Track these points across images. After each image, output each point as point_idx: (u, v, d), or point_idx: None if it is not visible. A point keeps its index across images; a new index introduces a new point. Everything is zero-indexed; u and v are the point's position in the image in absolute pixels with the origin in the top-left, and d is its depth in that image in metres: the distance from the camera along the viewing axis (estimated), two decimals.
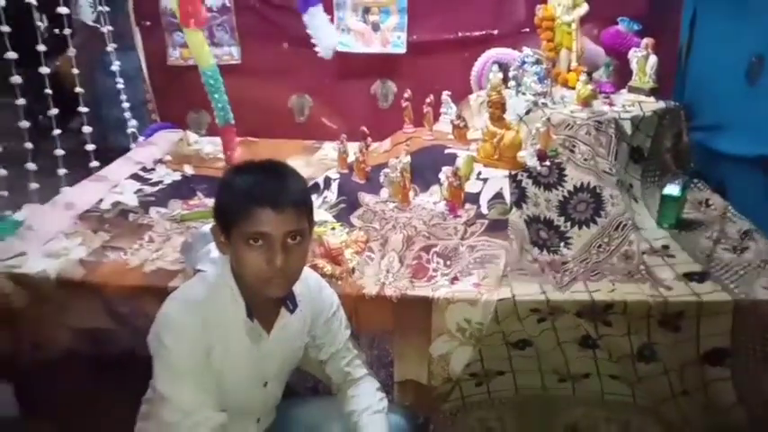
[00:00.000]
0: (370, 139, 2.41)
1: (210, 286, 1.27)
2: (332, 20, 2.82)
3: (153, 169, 2.66)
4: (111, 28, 2.70)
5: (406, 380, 1.80)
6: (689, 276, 1.75)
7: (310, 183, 2.42)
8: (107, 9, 2.66)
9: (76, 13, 2.36)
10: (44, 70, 2.29)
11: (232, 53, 2.97)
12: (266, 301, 1.27)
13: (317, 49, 2.10)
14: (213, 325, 1.23)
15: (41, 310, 1.85)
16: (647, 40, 2.20)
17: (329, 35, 1.99)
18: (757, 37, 2.06)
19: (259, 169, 1.25)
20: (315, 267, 1.75)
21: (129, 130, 2.84)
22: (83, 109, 2.50)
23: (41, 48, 2.29)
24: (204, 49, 2.10)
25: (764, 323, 1.65)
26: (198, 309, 1.22)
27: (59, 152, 2.36)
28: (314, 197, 2.31)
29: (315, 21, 1.97)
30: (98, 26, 2.38)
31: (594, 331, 1.70)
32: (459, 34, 2.84)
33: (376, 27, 2.84)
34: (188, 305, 1.23)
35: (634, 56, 2.24)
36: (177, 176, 2.59)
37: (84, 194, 2.36)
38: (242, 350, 1.28)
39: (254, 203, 1.16)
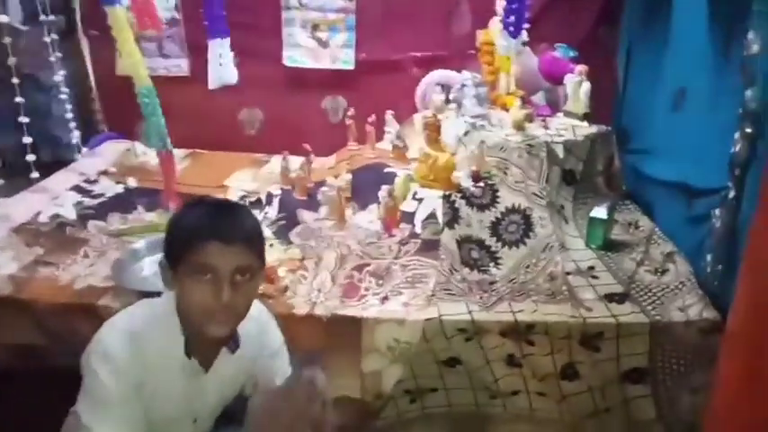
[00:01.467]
0: (312, 155, 2.44)
1: (152, 317, 1.25)
2: (280, 36, 2.87)
3: (96, 181, 2.63)
4: (55, 36, 2.67)
5: (341, 396, 1.82)
6: (609, 297, 1.82)
7: (254, 198, 2.44)
8: (51, 17, 2.63)
9: (5, 14, 2.30)
10: None
11: (181, 65, 2.96)
12: (208, 339, 1.23)
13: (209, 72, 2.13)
14: (149, 358, 1.20)
15: None
16: (580, 67, 2.28)
17: (224, 72, 2.02)
18: (681, 70, 2.16)
19: (210, 204, 1.26)
20: None
21: (73, 141, 2.80)
22: (23, 119, 2.46)
23: None
24: (142, 67, 2.06)
25: (679, 343, 1.72)
26: (135, 340, 1.20)
27: None
28: (256, 212, 2.33)
29: (215, 52, 2.00)
30: (25, 28, 2.31)
31: (519, 350, 1.75)
32: (407, 54, 2.89)
33: (325, 44, 2.88)
34: (126, 334, 1.20)
35: (569, 82, 2.32)
36: (120, 189, 2.57)
37: (21, 206, 2.32)
38: (175, 386, 1.26)
39: (202, 235, 1.15)
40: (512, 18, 2.26)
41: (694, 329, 1.70)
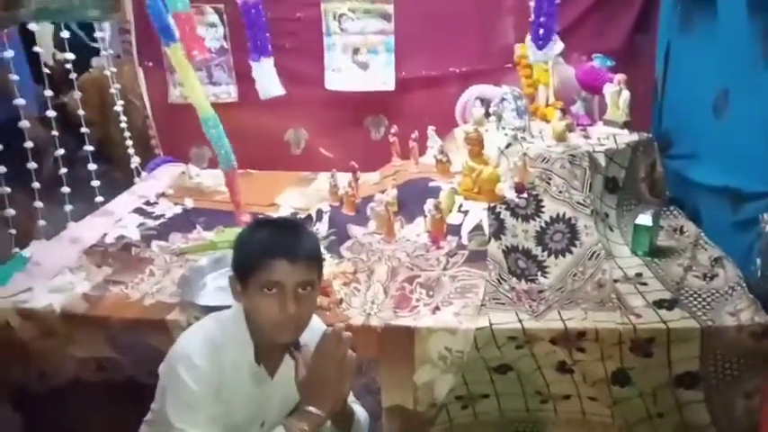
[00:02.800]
0: (359, 172, 2.53)
1: (225, 329, 1.36)
2: (323, 60, 2.98)
3: (156, 203, 2.79)
4: (114, 70, 2.85)
5: (394, 405, 1.88)
6: (659, 304, 1.84)
7: (304, 215, 2.55)
8: (110, 51, 2.81)
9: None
10: (50, 113, 2.43)
11: (230, 92, 3.12)
12: (273, 348, 1.36)
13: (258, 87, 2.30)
14: (224, 366, 1.32)
15: (47, 342, 1.96)
16: (619, 76, 2.31)
17: (270, 85, 2.18)
18: (723, 71, 2.17)
19: (275, 225, 1.41)
20: None
21: (133, 165, 2.97)
22: (88, 147, 2.63)
23: (48, 92, 2.43)
24: (201, 95, 2.22)
25: (730, 348, 1.73)
26: (213, 349, 1.31)
27: (65, 190, 2.49)
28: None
29: (261, 70, 2.16)
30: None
31: (569, 357, 1.79)
32: (446, 70, 2.96)
33: (365, 66, 2.98)
34: (207, 347, 1.31)
35: (608, 91, 2.35)
36: (178, 210, 2.72)
37: (89, 229, 2.48)
38: (246, 392, 1.37)
39: (270, 255, 1.27)
40: (540, 31, 2.31)
41: (746, 334, 1.71)
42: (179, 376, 1.27)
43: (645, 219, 2.10)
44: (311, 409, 1.25)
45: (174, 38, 2.09)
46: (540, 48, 2.33)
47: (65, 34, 2.47)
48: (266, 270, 1.27)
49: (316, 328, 1.45)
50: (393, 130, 2.74)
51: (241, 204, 2.38)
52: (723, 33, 2.18)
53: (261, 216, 2.54)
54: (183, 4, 1.94)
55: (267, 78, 2.23)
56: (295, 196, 2.78)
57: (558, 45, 2.46)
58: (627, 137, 2.30)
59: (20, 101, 2.25)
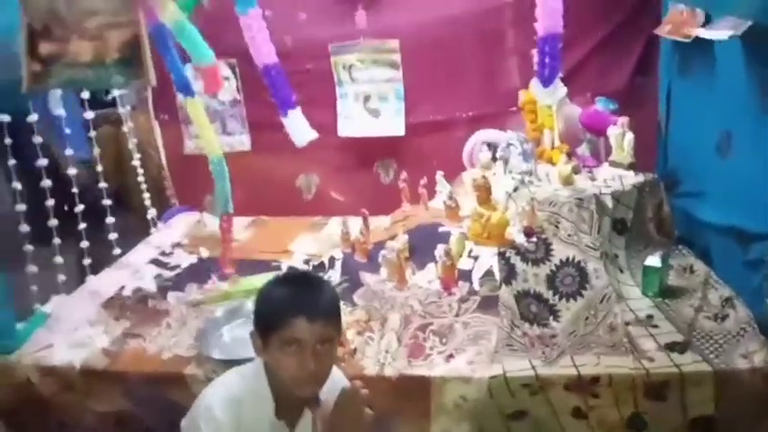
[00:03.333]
0: (370, 219, 2.58)
1: (246, 383, 1.40)
2: (333, 108, 3.07)
3: (171, 253, 2.84)
4: (131, 125, 2.95)
5: None
6: (671, 347, 1.85)
7: (317, 262, 2.59)
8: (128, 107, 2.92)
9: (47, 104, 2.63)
10: (72, 171, 2.52)
11: (243, 141, 3.21)
12: (293, 402, 1.39)
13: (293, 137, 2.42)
14: (245, 420, 1.35)
15: (67, 397, 2.00)
16: (622, 119, 2.36)
17: (303, 132, 2.31)
18: (725, 114, 2.21)
19: (296, 281, 1.45)
20: None
21: (149, 216, 3.04)
22: (107, 201, 2.71)
23: (69, 152, 2.52)
24: (214, 139, 2.39)
25: (744, 391, 1.73)
26: (234, 404, 1.35)
27: (85, 244, 2.56)
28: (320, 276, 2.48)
29: (292, 121, 2.29)
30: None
31: (584, 403, 1.79)
32: (452, 115, 3.03)
33: (376, 114, 3.07)
34: (228, 401, 1.35)
35: (612, 133, 2.40)
36: (194, 259, 2.77)
37: (107, 282, 2.54)
38: None
39: (290, 313, 1.31)
40: (545, 71, 2.38)
41: (759, 376, 1.71)
42: (200, 430, 1.31)
43: (654, 260, 2.12)
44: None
45: (192, 92, 2.22)
46: (545, 85, 2.39)
47: (85, 95, 2.58)
48: (286, 328, 1.31)
49: (337, 380, 1.49)
50: (403, 176, 2.80)
51: (229, 253, 2.52)
52: (722, 78, 2.23)
53: (275, 263, 2.60)
54: (207, 57, 2.06)
55: (299, 127, 2.33)
56: (308, 242, 2.83)
57: (561, 89, 2.52)
58: (633, 178, 2.34)
59: (43, 161, 2.33)
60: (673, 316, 2.01)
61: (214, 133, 2.49)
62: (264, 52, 2.18)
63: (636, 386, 1.75)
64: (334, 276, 2.44)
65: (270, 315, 1.35)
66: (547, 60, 2.41)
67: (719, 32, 1.92)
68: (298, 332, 1.31)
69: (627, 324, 1.97)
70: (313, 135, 2.38)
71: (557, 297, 2.11)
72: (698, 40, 2.26)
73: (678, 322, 1.97)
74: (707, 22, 2.24)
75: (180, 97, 2.87)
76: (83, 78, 1.75)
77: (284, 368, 1.32)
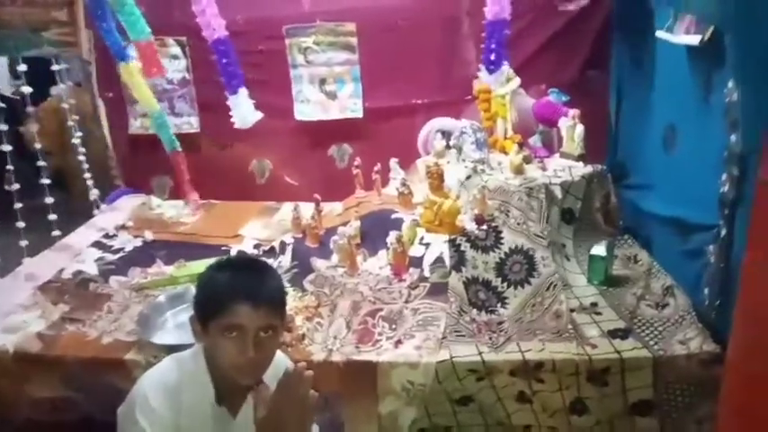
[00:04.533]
0: (323, 204, 2.55)
1: (184, 371, 1.34)
2: (288, 91, 3.01)
3: (115, 235, 2.74)
4: (73, 101, 2.82)
5: None
6: (613, 333, 1.89)
7: (267, 247, 2.54)
8: (69, 83, 2.79)
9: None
10: (5, 148, 2.39)
11: (191, 123, 3.10)
12: (234, 387, 1.33)
13: (233, 120, 2.42)
14: (184, 409, 1.30)
15: (1, 383, 1.91)
16: (573, 111, 2.40)
17: (247, 113, 2.32)
18: (670, 107, 2.27)
19: (239, 266, 1.38)
20: None
21: (92, 197, 2.92)
22: (45, 180, 2.59)
23: (2, 126, 2.39)
24: (151, 97, 2.41)
25: (682, 376, 1.79)
26: (173, 393, 1.30)
27: (21, 224, 2.44)
28: (270, 261, 2.43)
29: (238, 100, 2.28)
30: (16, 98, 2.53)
31: (529, 388, 1.82)
32: (408, 102, 3.02)
33: (332, 96, 3.03)
34: (164, 389, 1.30)
35: (563, 125, 2.43)
36: (138, 242, 2.68)
37: (45, 265, 2.43)
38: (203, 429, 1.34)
39: (232, 299, 1.25)
40: (491, 56, 2.40)
41: (696, 362, 1.77)
42: (136, 420, 1.25)
43: (599, 249, 2.17)
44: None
45: (126, 57, 2.18)
46: (490, 72, 2.41)
47: (22, 67, 2.45)
48: (228, 314, 1.25)
49: (280, 363, 1.43)
50: (356, 162, 2.77)
51: (187, 184, 2.69)
52: (667, 74, 2.29)
53: (224, 248, 2.54)
54: (144, 33, 2.01)
55: (244, 107, 2.30)
56: (258, 227, 2.78)
57: (514, 81, 2.54)
58: (582, 169, 2.38)
59: None
60: (616, 303, 2.07)
61: (148, 89, 2.57)
62: (214, 26, 2.12)
63: (579, 372, 1.79)
64: (284, 261, 2.40)
65: (211, 300, 1.29)
66: (492, 46, 2.45)
67: (688, 37, 1.95)
68: (240, 318, 1.25)
69: (572, 311, 2.01)
70: (256, 116, 2.36)
71: (505, 284, 2.13)
72: (646, 35, 2.31)
73: (621, 309, 2.03)
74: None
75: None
76: (13, 44, 1.66)
77: (224, 355, 1.27)
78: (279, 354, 1.45)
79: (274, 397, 1.25)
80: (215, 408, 1.34)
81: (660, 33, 2.15)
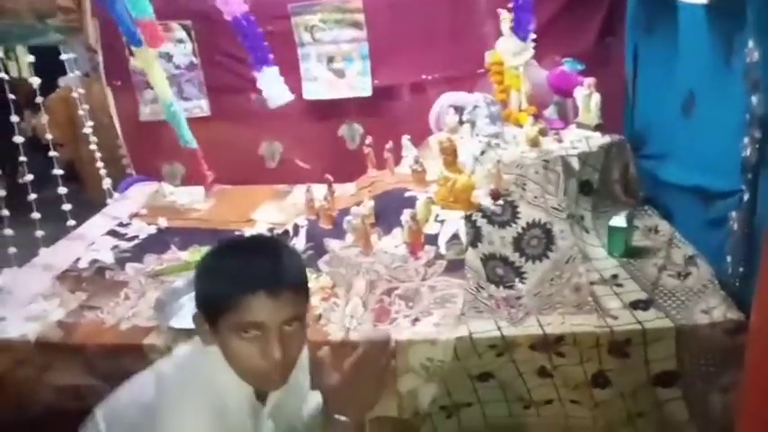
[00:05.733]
0: (334, 185, 2.52)
1: (212, 374, 1.11)
2: (296, 71, 2.98)
3: (129, 224, 2.75)
4: (82, 91, 2.81)
5: (378, 416, 1.87)
6: (635, 305, 1.86)
7: (281, 230, 2.53)
8: (77, 73, 2.78)
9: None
10: (18, 139, 2.39)
11: (201, 106, 3.09)
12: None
13: (266, 97, 2.36)
14: (225, 407, 1.11)
15: (23, 372, 1.93)
16: (589, 80, 2.34)
17: (280, 93, 2.21)
18: (689, 73, 2.20)
19: (248, 248, 1.13)
20: None
21: (104, 186, 2.93)
22: (57, 171, 2.59)
23: (14, 118, 2.39)
24: (164, 84, 2.37)
25: (705, 345, 1.75)
26: (206, 397, 1.10)
27: (36, 215, 2.45)
28: None
29: (267, 79, 2.20)
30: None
31: (549, 362, 1.80)
32: (419, 78, 2.98)
33: (341, 74, 2.98)
34: (196, 397, 1.09)
35: (579, 94, 2.37)
36: (152, 230, 2.68)
37: (61, 254, 2.44)
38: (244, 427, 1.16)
39: (245, 290, 1.03)
40: (521, 22, 2.33)
41: (719, 331, 1.73)
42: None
43: (619, 220, 2.13)
44: (342, 418, 1.05)
45: (139, 41, 2.15)
46: (523, 39, 2.33)
47: (30, 58, 2.44)
48: (241, 309, 1.03)
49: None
50: (368, 141, 2.74)
51: (207, 173, 2.67)
52: (686, 37, 2.22)
53: (237, 233, 2.53)
54: (146, 12, 2.00)
55: (274, 87, 2.23)
56: (271, 211, 2.77)
57: (528, 51, 2.48)
58: (599, 139, 2.33)
59: None
60: (637, 275, 2.03)
61: (164, 78, 2.50)
62: (233, 3, 2.08)
63: (600, 344, 1.76)
64: (299, 244, 2.38)
65: (218, 293, 1.05)
66: (521, 14, 2.37)
67: None
68: (258, 314, 1.03)
69: (592, 284, 1.97)
70: (289, 96, 2.31)
71: (523, 259, 2.10)
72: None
73: (642, 281, 1.99)
74: None
75: (132, 60, 2.77)
76: (18, 33, 1.64)
77: (243, 359, 1.06)
78: None
79: (356, 365, 1.06)
80: (256, 404, 1.16)
81: None
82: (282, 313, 1.04)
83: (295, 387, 1.26)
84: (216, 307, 1.06)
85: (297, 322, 1.08)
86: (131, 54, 2.61)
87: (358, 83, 3.00)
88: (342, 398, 1.06)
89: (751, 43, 1.62)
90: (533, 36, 2.53)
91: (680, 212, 2.28)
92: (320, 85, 3.02)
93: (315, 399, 1.38)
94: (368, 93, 3.00)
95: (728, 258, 1.85)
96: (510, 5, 2.49)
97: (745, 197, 1.72)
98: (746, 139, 1.67)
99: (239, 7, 2.04)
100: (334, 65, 2.99)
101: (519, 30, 2.30)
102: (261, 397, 1.18)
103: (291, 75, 2.98)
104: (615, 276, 2.03)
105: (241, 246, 1.17)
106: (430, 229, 2.20)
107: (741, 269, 1.79)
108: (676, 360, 1.77)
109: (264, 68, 2.17)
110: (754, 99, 1.63)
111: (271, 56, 2.22)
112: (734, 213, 1.80)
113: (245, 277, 1.04)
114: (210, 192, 2.64)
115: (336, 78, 3.00)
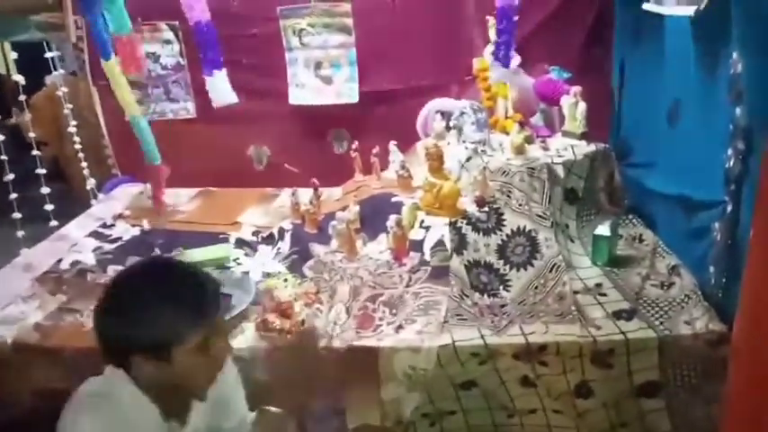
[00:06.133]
0: (320, 189, 2.51)
1: (117, 402, 1.19)
2: (284, 75, 2.96)
3: (113, 225, 2.71)
4: (66, 90, 2.78)
5: (361, 425, 1.86)
6: (618, 315, 1.86)
7: (266, 233, 2.51)
8: (62, 71, 2.75)
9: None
10: None
11: (188, 108, 3.07)
12: (174, 401, 1.25)
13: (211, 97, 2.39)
14: None
15: (0, 374, 1.90)
16: (575, 89, 2.34)
17: (224, 95, 2.29)
18: (674, 84, 2.21)
19: (176, 278, 1.22)
20: (265, 322, 1.83)
21: (88, 186, 2.90)
22: (40, 171, 2.56)
23: None
24: (130, 98, 2.41)
25: (688, 356, 1.76)
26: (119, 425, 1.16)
27: (17, 215, 2.42)
28: (269, 248, 2.41)
29: (215, 82, 2.25)
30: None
31: (532, 372, 1.79)
32: (407, 84, 2.97)
33: (328, 81, 2.97)
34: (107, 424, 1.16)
35: (565, 103, 2.38)
36: (136, 231, 2.64)
37: (42, 255, 2.41)
38: None
39: (200, 316, 1.16)
40: (502, 49, 2.32)
41: (702, 342, 1.74)
42: None
43: (603, 229, 2.13)
44: (272, 409, 1.22)
45: (108, 55, 2.13)
46: (504, 65, 2.35)
47: (13, 55, 2.41)
48: (197, 333, 1.15)
49: None
50: (354, 146, 2.73)
51: (162, 200, 2.60)
52: (672, 48, 2.23)
53: (222, 236, 2.50)
54: (125, 28, 1.97)
55: (220, 88, 2.27)
56: (257, 214, 2.75)
57: (514, 59, 2.49)
58: (585, 148, 2.32)
59: None
60: (621, 284, 2.03)
61: (130, 93, 2.49)
62: (197, 9, 2.09)
63: (583, 354, 1.76)
64: (283, 248, 2.37)
65: (171, 327, 1.14)
66: (504, 38, 2.37)
67: (681, 9, 1.90)
68: (215, 331, 1.18)
69: (576, 293, 1.98)
70: (232, 99, 2.35)
71: (507, 267, 2.10)
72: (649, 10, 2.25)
73: (626, 290, 1.99)
74: None
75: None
76: (1, 30, 1.62)
77: (198, 374, 1.19)
78: None
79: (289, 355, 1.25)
80: (163, 426, 1.24)
81: (648, 6, 2.08)
82: (218, 331, 1.21)
83: (221, 403, 1.37)
84: (170, 340, 1.14)
85: (223, 333, 1.26)
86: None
87: (345, 90, 2.98)
88: (274, 389, 1.21)
89: (735, 55, 1.63)
90: (516, 59, 2.52)
91: (664, 222, 2.29)
92: (307, 92, 3.00)
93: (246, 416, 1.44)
94: (355, 100, 2.99)
95: (711, 269, 1.85)
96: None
97: (728, 208, 1.72)
98: (730, 151, 1.68)
99: (203, 14, 2.09)
100: (322, 71, 2.97)
101: (499, 55, 2.29)
102: (181, 420, 1.27)
103: (278, 78, 2.97)
104: (599, 285, 2.04)
105: (171, 277, 1.22)
106: (415, 235, 2.19)
107: (724, 280, 1.80)
108: (659, 371, 1.77)
109: (215, 72, 2.21)
110: (737, 110, 1.64)
111: (221, 60, 2.28)
112: (717, 224, 1.81)
113: (196, 305, 1.17)
114: (163, 213, 2.61)
115: (324, 85, 2.98)
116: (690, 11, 1.84)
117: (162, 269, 1.25)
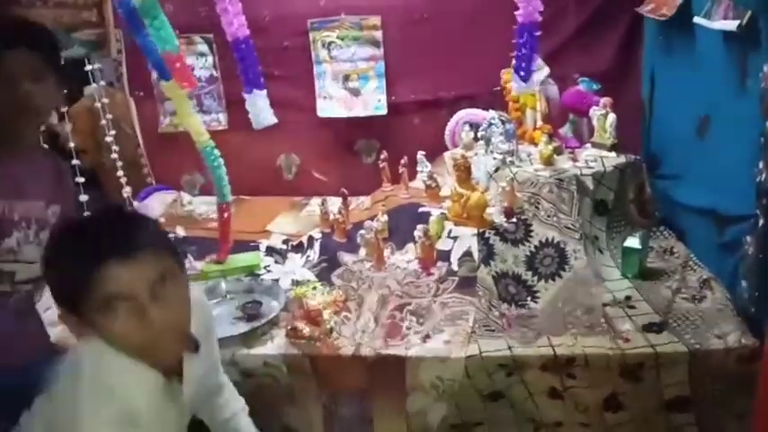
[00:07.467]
0: (349, 198, 2.55)
1: (111, 365, 1.03)
2: (313, 86, 3.01)
3: None
4: (106, 101, 2.86)
5: None
6: (648, 327, 1.85)
7: (296, 242, 2.55)
8: (102, 83, 2.84)
9: None
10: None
11: (219, 119, 3.13)
12: (157, 354, 1.07)
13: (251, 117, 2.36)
14: (135, 398, 1.05)
15: None
16: (604, 100, 2.34)
17: (264, 116, 2.25)
18: (704, 96, 2.19)
19: (87, 220, 1.11)
20: (294, 329, 1.87)
21: (124, 195, 2.97)
22: (79, 179, 2.63)
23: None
24: (198, 125, 2.26)
25: (719, 371, 1.74)
26: (111, 395, 1.03)
27: None
28: (298, 256, 2.45)
29: (255, 101, 2.22)
30: None
31: (560, 384, 1.79)
32: (435, 95, 2.99)
33: (356, 93, 3.01)
34: (102, 396, 1.01)
35: (594, 114, 2.37)
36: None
37: None
38: (163, 414, 1.11)
39: (92, 264, 0.96)
40: (522, 64, 2.32)
41: (733, 356, 1.72)
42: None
43: (633, 241, 2.12)
44: None
45: (167, 76, 2.12)
46: (524, 80, 2.35)
47: None
48: (98, 286, 0.96)
49: (198, 303, 1.21)
50: (383, 156, 2.76)
51: (226, 241, 2.39)
52: (703, 60, 2.21)
53: (252, 243, 2.55)
54: (172, 46, 1.98)
55: (259, 110, 2.27)
56: (287, 222, 2.79)
57: (543, 70, 2.49)
58: (614, 159, 2.32)
59: None
60: (651, 297, 2.01)
61: (198, 119, 2.33)
62: (236, 25, 2.12)
63: (612, 367, 1.75)
64: (312, 256, 2.41)
65: (66, 275, 0.98)
66: (524, 52, 2.34)
67: (725, 23, 1.89)
68: (114, 284, 0.96)
69: (605, 305, 1.97)
70: (272, 120, 2.34)
71: (535, 278, 2.10)
72: (681, 21, 2.24)
73: (656, 303, 1.97)
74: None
75: (155, 74, 2.81)
76: None
77: (123, 337, 0.99)
78: (194, 292, 1.15)
79: None
80: (163, 383, 1.10)
81: (698, 19, 2.08)
82: (144, 275, 0.99)
83: (206, 354, 1.22)
84: (70, 291, 0.99)
85: (170, 280, 1.03)
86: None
87: (373, 101, 3.01)
88: None
89: (766, 67, 1.62)
90: (545, 70, 2.50)
91: (695, 234, 2.27)
92: (335, 104, 3.03)
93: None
94: (383, 112, 3.01)
95: (743, 283, 1.83)
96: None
97: (760, 222, 1.70)
98: (761, 164, 1.66)
99: (242, 30, 2.11)
100: (350, 83, 3.01)
101: (520, 69, 2.28)
102: (177, 374, 1.13)
103: (308, 90, 3.02)
104: (629, 298, 2.02)
105: (80, 220, 1.13)
106: (443, 245, 2.21)
107: (756, 294, 1.77)
108: (689, 385, 1.75)
109: (255, 91, 2.22)
110: None
111: (262, 80, 2.29)
112: (749, 238, 1.79)
113: (88, 251, 0.98)
114: (224, 255, 2.43)
115: (351, 97, 3.01)
116: (733, 25, 1.83)
117: (81, 215, 1.14)
